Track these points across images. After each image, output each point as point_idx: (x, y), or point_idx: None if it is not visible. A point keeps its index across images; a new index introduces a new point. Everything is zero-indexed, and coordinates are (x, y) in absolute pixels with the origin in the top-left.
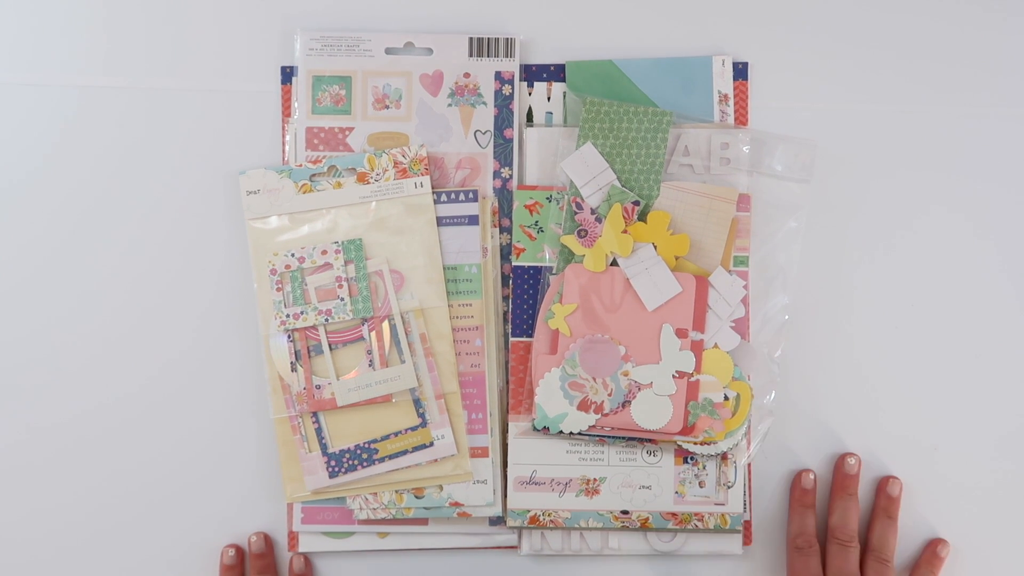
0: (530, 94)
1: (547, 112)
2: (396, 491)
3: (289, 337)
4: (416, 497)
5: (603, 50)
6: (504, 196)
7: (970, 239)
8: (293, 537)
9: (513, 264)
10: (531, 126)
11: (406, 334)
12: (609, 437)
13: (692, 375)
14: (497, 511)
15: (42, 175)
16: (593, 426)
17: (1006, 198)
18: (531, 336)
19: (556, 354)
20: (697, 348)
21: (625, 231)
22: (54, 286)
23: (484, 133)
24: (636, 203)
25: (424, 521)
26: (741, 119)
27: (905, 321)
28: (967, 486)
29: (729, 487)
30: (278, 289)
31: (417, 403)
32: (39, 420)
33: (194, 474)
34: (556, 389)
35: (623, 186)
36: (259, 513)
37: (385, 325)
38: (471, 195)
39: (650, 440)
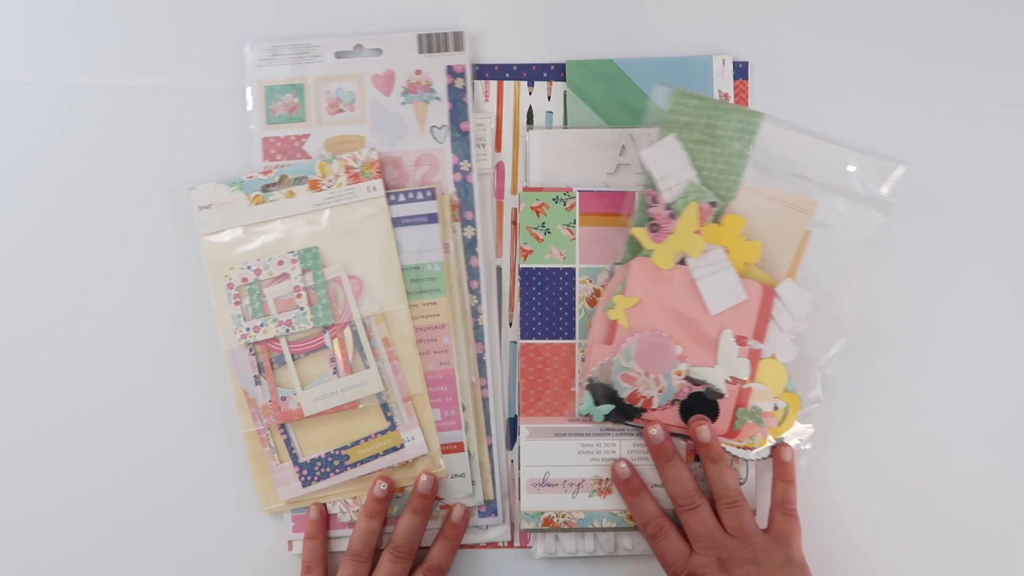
0: (530, 93)
1: (547, 112)
2: None
3: (251, 350)
4: (398, 495)
5: (603, 50)
6: (465, 190)
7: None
8: (291, 544)
9: (520, 266)
10: (532, 128)
11: (368, 339)
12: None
13: (745, 382)
14: (479, 500)
15: None
16: (639, 420)
17: (1008, 194)
18: (541, 339)
19: (612, 344)
20: (754, 357)
21: (698, 231)
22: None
23: (440, 128)
24: (713, 203)
25: None
26: None
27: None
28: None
29: (741, 483)
30: (236, 303)
31: (385, 407)
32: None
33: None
34: (607, 380)
35: (702, 184)
36: (256, 523)
37: (347, 332)
38: (428, 193)
39: (690, 439)
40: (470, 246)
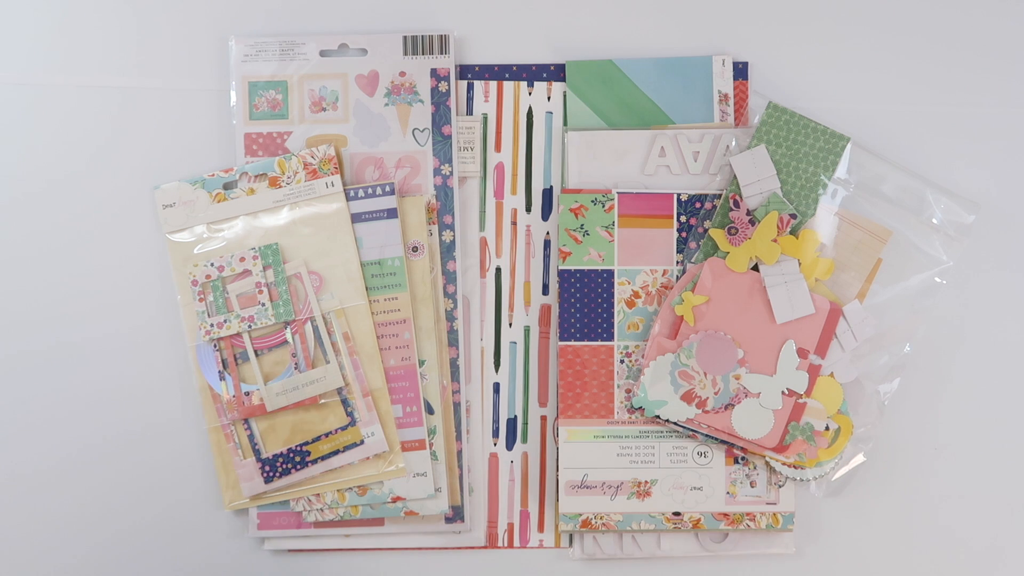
0: (530, 94)
1: (547, 112)
2: (338, 490)
3: (215, 346)
4: (359, 495)
5: (603, 50)
6: (445, 193)
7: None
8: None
9: (559, 268)
10: (570, 130)
11: (328, 334)
12: (701, 434)
13: (801, 396)
14: (443, 507)
15: None
16: (691, 419)
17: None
18: (580, 341)
19: (675, 340)
20: (813, 372)
21: (775, 240)
22: None
23: (422, 131)
24: (793, 216)
25: (380, 522)
26: (741, 119)
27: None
28: None
29: (780, 486)
30: (200, 299)
31: (345, 402)
32: None
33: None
34: (665, 374)
35: (783, 196)
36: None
37: (308, 327)
38: (387, 188)
39: (741, 448)
40: (448, 250)
